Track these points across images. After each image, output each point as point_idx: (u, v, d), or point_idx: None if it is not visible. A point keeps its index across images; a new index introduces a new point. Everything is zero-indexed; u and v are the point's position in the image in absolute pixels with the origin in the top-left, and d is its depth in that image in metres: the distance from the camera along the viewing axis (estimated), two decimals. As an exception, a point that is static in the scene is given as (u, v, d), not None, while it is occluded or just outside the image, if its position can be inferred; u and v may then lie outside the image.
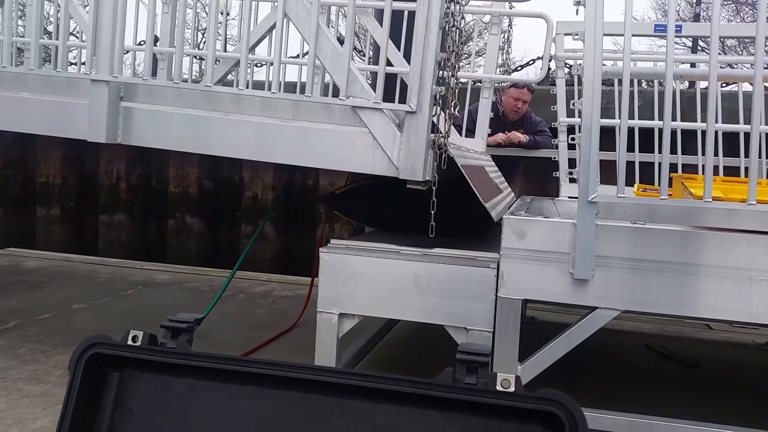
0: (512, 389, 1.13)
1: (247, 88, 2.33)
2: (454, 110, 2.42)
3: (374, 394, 1.13)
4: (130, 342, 1.15)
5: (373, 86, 2.32)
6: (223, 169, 8.85)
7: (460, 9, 2.35)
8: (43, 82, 2.47)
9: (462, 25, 2.34)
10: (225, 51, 4.20)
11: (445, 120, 2.41)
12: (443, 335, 2.33)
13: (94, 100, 2.32)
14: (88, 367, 1.14)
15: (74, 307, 4.07)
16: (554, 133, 5.20)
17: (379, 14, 3.89)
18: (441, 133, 2.33)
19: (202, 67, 4.00)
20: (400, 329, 3.71)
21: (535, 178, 7.91)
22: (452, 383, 1.13)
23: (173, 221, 9.07)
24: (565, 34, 4.74)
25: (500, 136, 5.18)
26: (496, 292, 2.31)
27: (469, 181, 2.57)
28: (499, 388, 1.13)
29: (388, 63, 3.96)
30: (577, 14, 2.16)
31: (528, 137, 5.27)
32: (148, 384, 1.18)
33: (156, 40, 3.28)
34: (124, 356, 1.16)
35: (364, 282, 2.37)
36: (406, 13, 3.43)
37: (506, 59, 5.35)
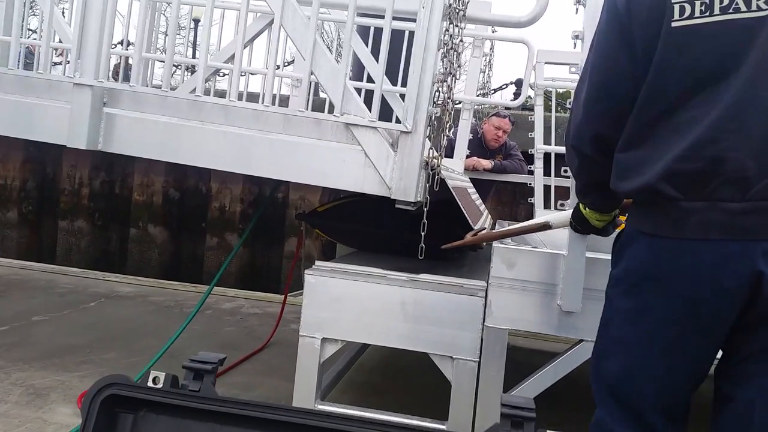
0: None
1: (240, 99, 2.25)
2: (449, 132, 2.38)
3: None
4: (150, 383, 1.06)
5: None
6: (191, 178, 8.68)
7: (458, 32, 2.32)
8: (20, 83, 2.35)
9: (461, 49, 2.32)
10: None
11: (440, 141, 2.37)
12: (418, 358, 2.28)
13: (76, 104, 2.21)
14: (102, 408, 1.04)
15: (34, 319, 3.88)
16: (530, 159, 5.24)
17: (362, 30, 3.85)
18: (435, 154, 2.29)
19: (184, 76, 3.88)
20: (374, 351, 3.64)
21: (505, 201, 7.99)
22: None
23: (135, 230, 8.84)
24: (546, 63, 4.79)
25: (466, 163, 5.19)
26: (483, 321, 2.26)
27: (459, 204, 2.53)
28: (547, 445, 1.07)
29: (370, 80, 3.93)
30: (576, 13, 2.14)
31: (492, 162, 5.31)
32: (164, 427, 1.08)
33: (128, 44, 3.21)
34: (143, 399, 1.06)
35: (349, 306, 2.30)
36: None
37: (486, 82, 5.38)
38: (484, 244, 2.58)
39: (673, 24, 1.30)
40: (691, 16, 1.28)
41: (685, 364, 1.38)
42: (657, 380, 1.39)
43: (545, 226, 2.20)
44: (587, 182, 1.58)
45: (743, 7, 1.24)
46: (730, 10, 1.24)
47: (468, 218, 2.51)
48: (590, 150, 1.49)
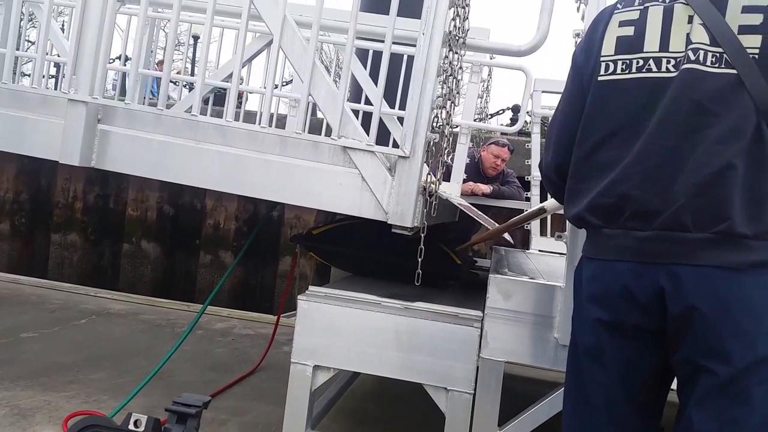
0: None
1: (237, 118, 2.22)
2: (447, 157, 2.36)
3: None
4: (132, 426, 1.01)
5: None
6: (185, 194, 8.62)
7: (458, 58, 2.31)
8: (13, 97, 2.32)
9: (460, 75, 2.30)
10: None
11: (438, 167, 2.34)
12: (411, 385, 2.23)
13: (70, 120, 2.18)
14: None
15: (23, 335, 3.80)
16: (527, 186, 5.22)
17: (361, 52, 3.84)
18: (433, 179, 2.26)
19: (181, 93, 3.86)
20: (366, 376, 3.57)
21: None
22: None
23: (128, 245, 8.76)
24: (543, 92, 4.80)
25: (464, 188, 5.16)
26: (479, 352, 2.22)
27: (475, 217, 2.51)
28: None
29: (368, 102, 3.92)
30: (578, 11, 2.15)
31: (491, 188, 5.27)
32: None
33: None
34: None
35: (342, 334, 2.25)
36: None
37: (484, 108, 5.37)
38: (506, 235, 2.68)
39: (599, 78, 1.57)
40: (614, 73, 1.54)
41: (619, 372, 1.55)
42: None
43: (541, 211, 2.45)
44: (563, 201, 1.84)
45: (654, 68, 1.50)
46: (644, 70, 1.51)
47: (488, 226, 2.54)
48: (555, 177, 1.75)
